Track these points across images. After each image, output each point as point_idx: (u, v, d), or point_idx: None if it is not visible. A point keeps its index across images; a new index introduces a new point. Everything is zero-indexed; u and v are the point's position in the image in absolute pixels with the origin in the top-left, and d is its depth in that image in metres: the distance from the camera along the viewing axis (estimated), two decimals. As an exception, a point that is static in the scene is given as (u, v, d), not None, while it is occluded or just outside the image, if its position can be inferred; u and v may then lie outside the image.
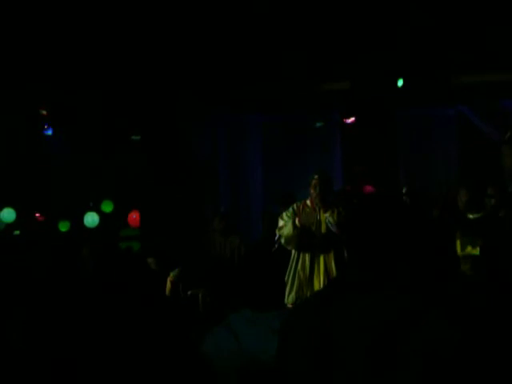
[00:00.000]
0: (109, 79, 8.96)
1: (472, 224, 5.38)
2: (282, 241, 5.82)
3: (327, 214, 5.69)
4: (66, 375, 4.04)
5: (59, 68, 8.72)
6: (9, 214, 10.54)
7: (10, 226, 10.66)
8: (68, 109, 9.69)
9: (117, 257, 8.64)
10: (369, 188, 8.57)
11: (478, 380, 1.63)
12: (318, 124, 10.03)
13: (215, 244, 7.51)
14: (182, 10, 7.91)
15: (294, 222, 5.72)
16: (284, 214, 5.87)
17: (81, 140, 10.19)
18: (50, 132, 10.45)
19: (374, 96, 8.96)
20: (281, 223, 5.86)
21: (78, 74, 8.82)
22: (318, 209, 5.77)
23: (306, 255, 5.73)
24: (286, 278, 5.76)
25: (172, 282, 7.11)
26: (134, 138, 10.35)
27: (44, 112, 9.99)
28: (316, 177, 5.77)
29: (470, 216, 5.43)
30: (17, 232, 10.60)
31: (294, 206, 5.90)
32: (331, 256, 5.67)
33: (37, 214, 11.04)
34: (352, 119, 9.60)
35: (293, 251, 5.82)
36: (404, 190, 7.00)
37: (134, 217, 10.71)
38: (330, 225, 5.68)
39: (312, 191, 5.77)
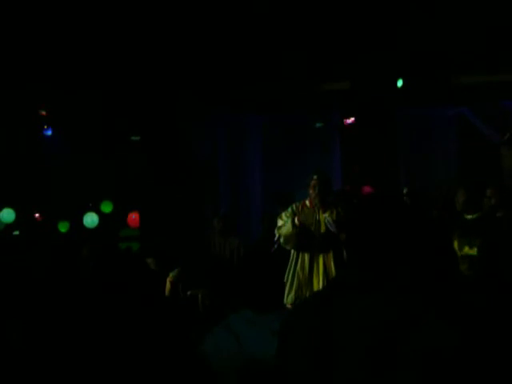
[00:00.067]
0: (109, 79, 8.96)
1: (469, 224, 5.38)
2: (281, 240, 5.82)
3: (326, 215, 5.69)
4: (66, 375, 4.03)
5: (59, 68, 8.71)
6: (8, 215, 10.54)
7: (10, 227, 10.66)
8: (68, 109, 9.69)
9: (116, 257, 8.63)
10: (367, 188, 8.57)
11: (478, 380, 1.62)
12: (318, 124, 10.03)
13: (215, 244, 7.50)
14: (181, 10, 7.90)
15: (293, 221, 5.72)
16: (283, 214, 5.88)
17: (80, 140, 10.20)
18: (49, 133, 10.45)
19: (373, 96, 8.97)
20: (280, 223, 5.86)
21: (78, 74, 8.82)
22: (317, 209, 5.77)
23: (306, 255, 5.73)
24: (285, 279, 5.77)
25: (171, 283, 7.10)
26: (133, 138, 10.36)
27: (43, 112, 10.00)
28: (315, 177, 5.77)
29: (468, 216, 5.43)
30: (16, 232, 10.60)
31: (293, 206, 5.91)
32: (330, 256, 5.68)
33: (36, 215, 11.04)
34: (352, 119, 9.60)
35: (292, 251, 5.82)
36: (405, 191, 6.99)
37: (133, 217, 10.72)
38: (329, 225, 5.68)
39: (311, 192, 5.77)
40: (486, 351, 1.63)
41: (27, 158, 10.33)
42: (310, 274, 5.69)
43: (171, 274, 7.15)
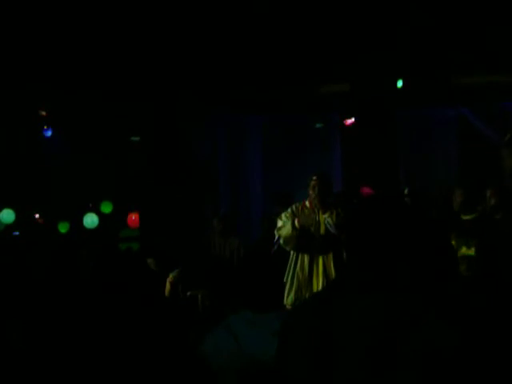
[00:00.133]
0: (109, 79, 8.95)
1: (466, 225, 5.37)
2: (281, 241, 5.81)
3: (326, 215, 5.68)
4: (66, 375, 4.03)
5: (59, 68, 8.71)
6: (8, 215, 10.54)
7: (10, 227, 10.66)
8: (68, 109, 9.69)
9: (116, 258, 8.64)
10: (366, 189, 8.56)
11: (478, 380, 1.62)
12: (318, 125, 10.03)
13: (215, 245, 7.50)
14: (181, 10, 7.90)
15: (293, 223, 5.71)
16: (283, 215, 5.86)
17: (80, 141, 10.20)
18: (49, 133, 10.45)
19: (373, 96, 8.96)
20: (279, 224, 5.84)
21: (78, 75, 8.82)
22: (316, 210, 5.76)
23: (305, 256, 5.73)
24: (284, 279, 5.76)
25: (171, 283, 7.10)
26: (133, 138, 10.36)
27: (43, 113, 10.00)
28: (315, 178, 5.76)
29: (465, 217, 5.42)
30: (16, 233, 10.60)
31: (293, 206, 5.89)
32: (330, 257, 5.67)
33: (36, 215, 11.04)
34: (352, 120, 9.60)
35: (292, 252, 5.82)
36: (406, 191, 6.99)
37: (133, 218, 10.71)
38: (328, 226, 5.67)
39: (311, 192, 5.76)
40: (485, 351, 1.63)
41: (27, 159, 10.34)
42: (309, 275, 5.68)
43: (171, 275, 7.15)
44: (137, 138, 10.25)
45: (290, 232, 5.70)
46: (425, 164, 9.73)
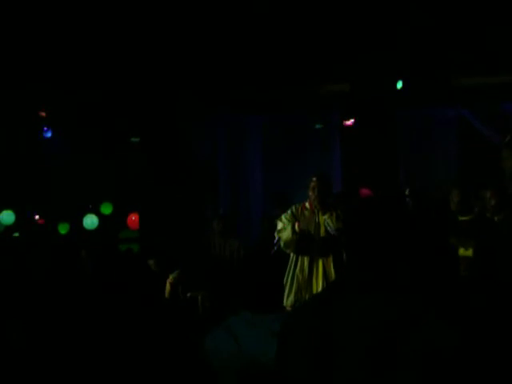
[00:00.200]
0: (108, 80, 8.95)
1: (463, 225, 5.37)
2: (281, 244, 5.80)
3: (326, 216, 5.67)
4: (66, 375, 4.03)
5: (59, 68, 8.71)
6: (8, 216, 10.55)
7: (10, 228, 10.67)
8: (67, 110, 9.68)
9: (116, 259, 8.64)
10: (365, 191, 8.55)
11: (478, 380, 1.62)
12: (318, 126, 10.03)
13: (215, 246, 7.49)
14: (181, 10, 7.90)
15: (293, 227, 5.69)
16: (283, 217, 5.84)
17: (80, 141, 10.20)
18: (49, 134, 10.45)
19: (373, 96, 8.96)
20: (279, 226, 5.82)
21: (78, 75, 8.81)
22: (316, 211, 5.74)
23: (305, 258, 5.71)
24: (284, 281, 5.75)
25: (171, 284, 7.10)
26: (133, 139, 10.35)
27: (43, 114, 9.99)
28: (314, 179, 5.74)
29: (462, 218, 5.42)
30: (16, 234, 10.60)
31: (293, 208, 5.86)
32: (330, 259, 5.65)
33: (36, 216, 11.04)
34: (351, 121, 9.60)
35: (292, 254, 5.80)
36: (407, 192, 6.97)
37: (133, 219, 10.71)
38: (328, 227, 5.65)
39: (311, 193, 5.74)
40: (485, 351, 1.63)
41: (27, 160, 10.34)
42: (309, 277, 5.66)
43: (171, 276, 7.15)
44: (136, 140, 10.24)
45: (290, 236, 5.68)
46: (425, 164, 9.72)
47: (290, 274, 5.73)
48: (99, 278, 7.35)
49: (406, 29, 7.97)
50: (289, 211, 5.85)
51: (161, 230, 9.32)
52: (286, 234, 5.70)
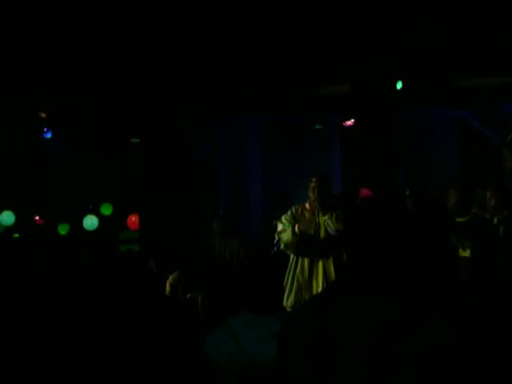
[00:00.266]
0: (108, 80, 8.95)
1: (461, 227, 5.36)
2: (281, 245, 5.80)
3: (326, 217, 5.66)
4: (66, 375, 4.03)
5: (59, 68, 8.71)
6: (8, 217, 10.54)
7: (10, 229, 10.67)
8: (67, 110, 9.69)
9: (116, 259, 8.63)
10: (365, 191, 8.56)
11: (478, 380, 1.62)
12: (318, 126, 10.03)
13: (215, 246, 7.49)
14: (181, 10, 7.90)
15: (293, 229, 5.69)
16: (283, 218, 5.83)
17: (80, 142, 10.20)
18: (49, 135, 10.45)
19: (373, 97, 8.96)
20: (280, 227, 5.82)
21: (78, 75, 8.81)
22: (316, 212, 5.74)
23: (305, 259, 5.71)
24: (284, 282, 5.74)
25: (171, 285, 7.10)
26: (133, 140, 10.35)
27: (43, 115, 9.99)
28: (314, 180, 5.73)
29: (460, 219, 5.41)
30: (16, 235, 10.61)
31: (293, 209, 5.85)
32: (330, 259, 5.65)
33: (36, 217, 11.04)
34: (351, 122, 9.60)
35: (292, 255, 5.80)
36: (407, 193, 6.97)
37: (133, 220, 10.71)
38: (328, 228, 5.65)
39: (311, 194, 5.73)
40: (485, 351, 1.63)
41: (27, 160, 10.34)
42: (309, 278, 5.66)
43: (171, 277, 7.15)
44: (136, 141, 10.25)
45: (290, 238, 5.68)
46: (425, 164, 9.73)
47: (291, 275, 5.72)
48: (99, 278, 7.35)
49: (405, 29, 7.96)
50: (289, 212, 5.85)
51: (161, 230, 9.32)
52: (287, 236, 5.70)
